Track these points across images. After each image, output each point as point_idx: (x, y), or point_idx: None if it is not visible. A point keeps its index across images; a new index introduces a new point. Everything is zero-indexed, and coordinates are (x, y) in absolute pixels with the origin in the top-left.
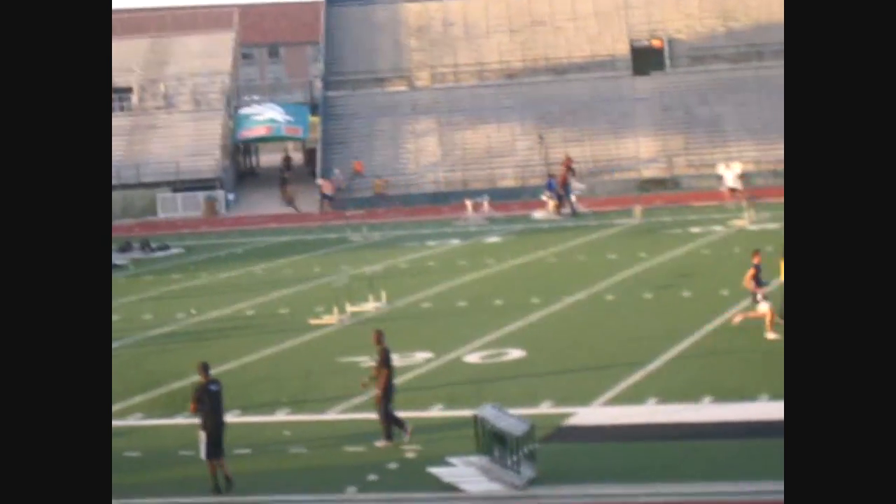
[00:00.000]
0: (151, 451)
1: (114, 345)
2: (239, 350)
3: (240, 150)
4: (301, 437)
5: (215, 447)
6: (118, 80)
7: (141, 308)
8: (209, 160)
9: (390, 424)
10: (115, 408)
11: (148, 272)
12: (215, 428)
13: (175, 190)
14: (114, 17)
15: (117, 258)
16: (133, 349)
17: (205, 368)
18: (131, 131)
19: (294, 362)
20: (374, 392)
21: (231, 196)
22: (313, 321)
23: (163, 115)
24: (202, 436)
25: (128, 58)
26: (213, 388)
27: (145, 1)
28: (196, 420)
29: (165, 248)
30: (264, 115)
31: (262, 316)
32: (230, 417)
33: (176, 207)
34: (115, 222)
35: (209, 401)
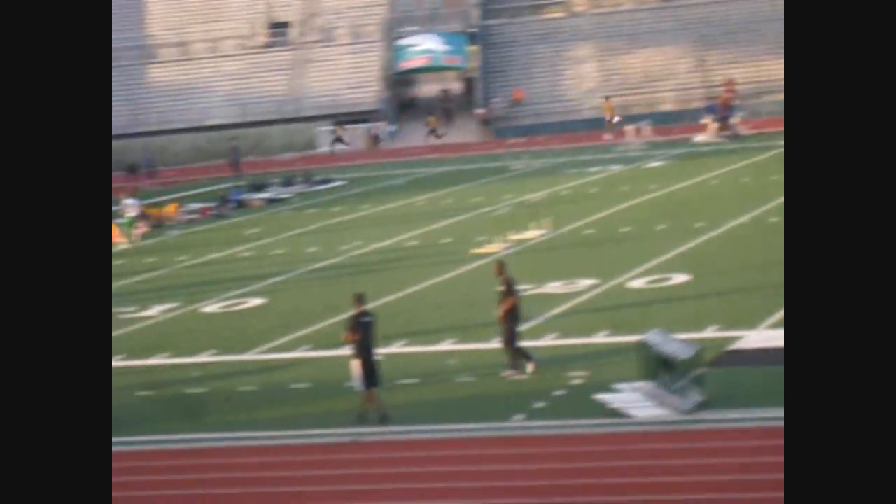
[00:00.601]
0: (319, 382)
1: (280, 277)
2: (403, 281)
3: (399, 82)
4: (467, 365)
5: (368, 378)
6: (278, 14)
7: (305, 241)
8: (368, 92)
9: (517, 353)
10: (282, 340)
11: (311, 205)
12: (368, 358)
13: (336, 122)
14: None
15: (281, 192)
16: (298, 282)
17: (359, 299)
18: (291, 66)
19: (458, 291)
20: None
21: (391, 128)
22: (476, 250)
23: (321, 48)
24: (356, 365)
25: None
26: (365, 319)
27: None
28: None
29: (328, 181)
30: (423, 46)
31: (425, 246)
32: (396, 348)
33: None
34: (277, 156)
35: (362, 332)
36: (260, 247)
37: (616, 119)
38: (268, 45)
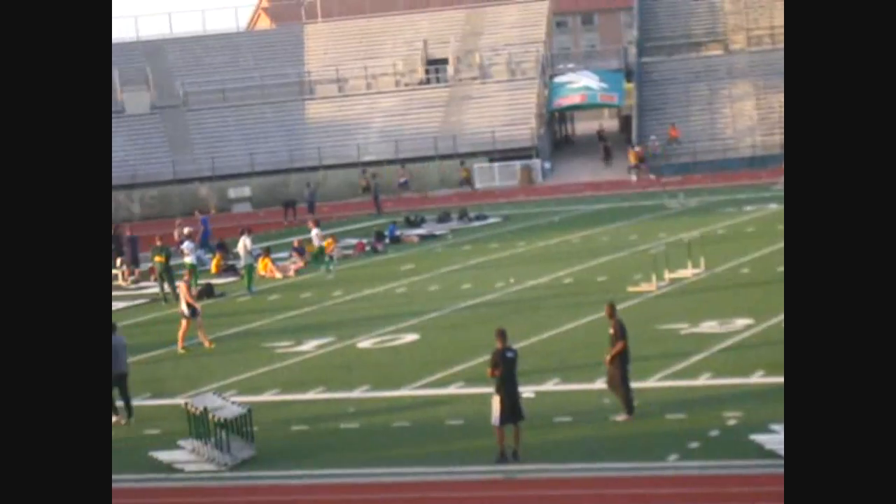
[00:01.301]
0: (472, 418)
1: (434, 314)
2: (557, 318)
3: (555, 119)
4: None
5: (510, 413)
6: (435, 51)
7: (459, 277)
8: (524, 129)
9: (630, 396)
10: (436, 376)
11: (466, 241)
12: (509, 394)
13: (491, 160)
14: None
15: (436, 228)
16: (452, 318)
17: (502, 335)
18: (447, 103)
19: None
20: (609, 366)
21: (547, 164)
22: (631, 288)
23: (478, 85)
24: (496, 401)
25: (444, 29)
26: (509, 354)
27: None
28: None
29: (483, 217)
30: (579, 83)
31: (580, 284)
32: (550, 385)
33: (492, 177)
34: (434, 192)
35: (505, 367)
36: (414, 283)
37: None
38: (424, 82)
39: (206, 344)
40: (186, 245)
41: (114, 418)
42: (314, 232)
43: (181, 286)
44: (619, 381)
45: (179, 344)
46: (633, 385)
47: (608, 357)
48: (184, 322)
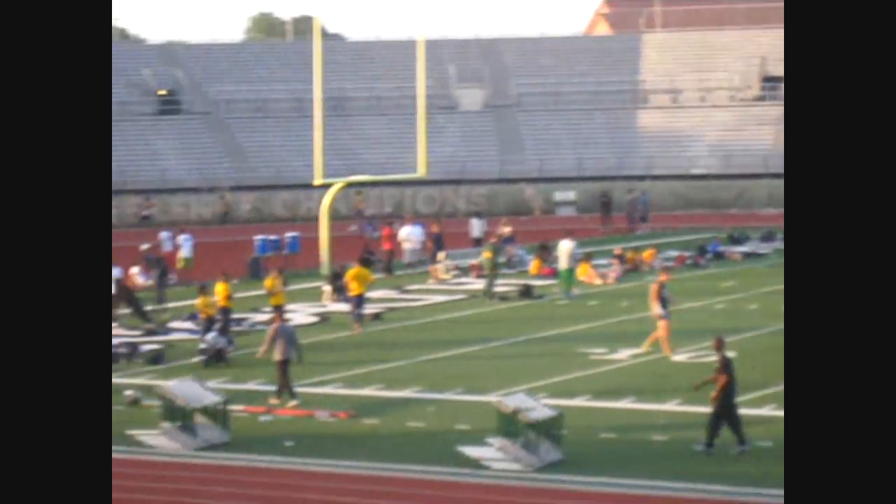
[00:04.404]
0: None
1: (752, 333)
2: None
3: None
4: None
5: None
6: (771, 68)
7: (779, 298)
8: None
9: (716, 431)
10: (750, 396)
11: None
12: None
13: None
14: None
15: (760, 247)
16: (770, 338)
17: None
18: (780, 121)
19: None
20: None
21: None
22: None
23: None
24: None
25: (782, 47)
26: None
27: None
28: None
29: None
30: None
31: None
32: None
33: None
34: (759, 210)
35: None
36: (734, 300)
37: None
38: (759, 99)
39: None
40: (508, 245)
41: (274, 400)
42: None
43: (652, 287)
44: (718, 415)
45: (665, 348)
46: None
47: (714, 393)
48: (662, 324)
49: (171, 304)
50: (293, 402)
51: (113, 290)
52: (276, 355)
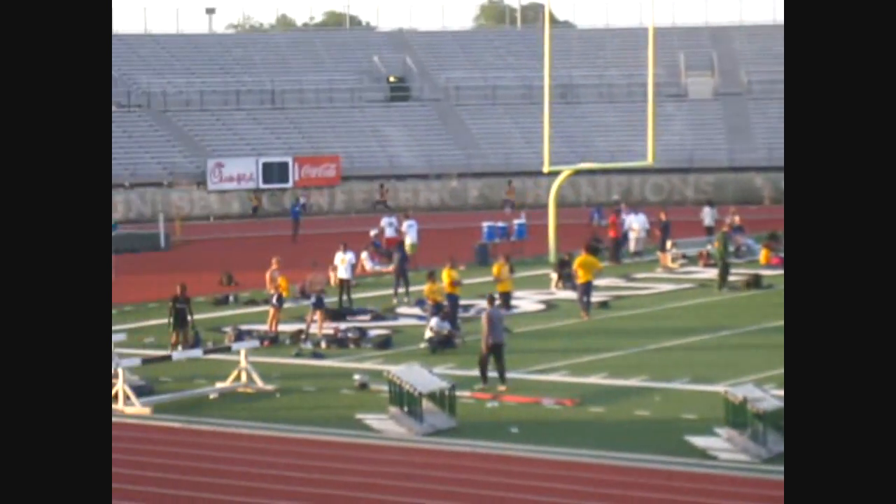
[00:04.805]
0: None
1: None
2: None
3: None
4: None
5: None
6: None
7: None
8: None
9: None
10: None
11: None
12: None
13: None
14: None
15: None
16: None
17: None
18: None
19: None
20: None
21: None
22: None
23: None
24: None
25: None
26: None
27: None
28: None
29: None
30: None
31: None
32: None
33: None
34: None
35: None
36: None
37: None
38: None
39: None
40: (737, 235)
41: (481, 385)
42: None
43: None
44: None
45: None
46: None
47: None
48: None
49: (401, 290)
50: (479, 386)
51: (329, 280)
52: (490, 340)
